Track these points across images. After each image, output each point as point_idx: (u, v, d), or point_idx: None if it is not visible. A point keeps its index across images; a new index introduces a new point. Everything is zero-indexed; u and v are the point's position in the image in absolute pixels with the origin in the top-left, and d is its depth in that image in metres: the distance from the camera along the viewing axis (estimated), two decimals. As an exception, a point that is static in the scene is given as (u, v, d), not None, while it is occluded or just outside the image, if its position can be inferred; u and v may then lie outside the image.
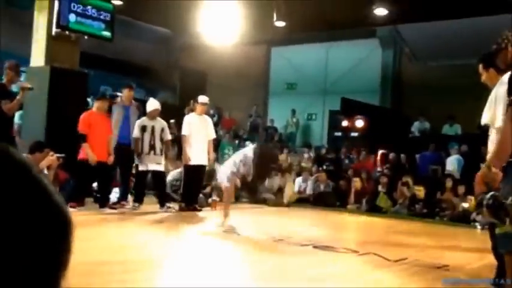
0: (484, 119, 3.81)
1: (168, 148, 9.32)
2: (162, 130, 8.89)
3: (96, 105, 8.48)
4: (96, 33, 10.43)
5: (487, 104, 3.71)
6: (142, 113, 9.12)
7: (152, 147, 8.73)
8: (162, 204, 8.75)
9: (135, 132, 8.75)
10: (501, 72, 3.64)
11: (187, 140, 8.90)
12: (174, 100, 17.88)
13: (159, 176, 8.98)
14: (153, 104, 8.97)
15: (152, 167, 8.75)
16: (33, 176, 0.63)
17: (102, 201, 8.41)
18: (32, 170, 0.63)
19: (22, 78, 8.47)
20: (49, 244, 0.62)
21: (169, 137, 9.14)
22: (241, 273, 4.62)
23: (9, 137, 7.31)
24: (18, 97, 7.34)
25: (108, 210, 8.26)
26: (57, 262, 0.63)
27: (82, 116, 8.27)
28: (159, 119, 8.97)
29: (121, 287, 3.73)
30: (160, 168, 8.91)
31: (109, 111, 8.78)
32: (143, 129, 8.73)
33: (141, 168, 8.77)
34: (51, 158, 7.08)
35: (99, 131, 8.22)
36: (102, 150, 8.25)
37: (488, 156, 3.75)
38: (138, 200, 8.73)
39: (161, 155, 8.85)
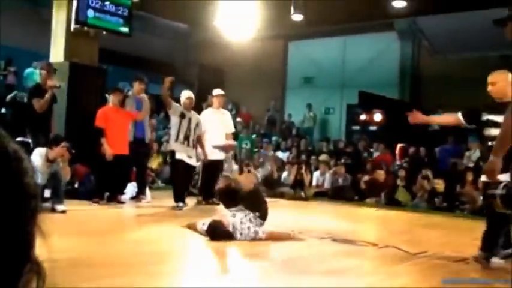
0: None
1: (200, 143, 8.70)
2: (197, 124, 8.54)
3: (111, 99, 8.47)
4: (115, 29, 10.48)
5: None
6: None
7: (187, 138, 8.37)
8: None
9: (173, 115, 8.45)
10: None
11: (203, 136, 8.77)
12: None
13: (189, 170, 8.55)
14: (185, 94, 8.63)
15: (185, 158, 8.30)
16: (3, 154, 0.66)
17: (112, 195, 8.32)
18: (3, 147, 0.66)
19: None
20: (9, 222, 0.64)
21: (202, 132, 8.69)
22: (260, 266, 4.63)
23: (45, 132, 7.55)
24: (46, 95, 7.58)
25: (119, 205, 8.27)
26: (18, 240, 0.65)
27: (99, 111, 8.30)
28: (194, 112, 8.63)
29: (146, 277, 3.76)
30: (192, 162, 8.49)
31: (121, 105, 8.77)
32: (182, 115, 8.37)
33: (178, 156, 8.28)
34: (59, 149, 7.16)
35: (116, 124, 8.23)
36: (120, 144, 8.26)
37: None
38: (182, 197, 8.15)
39: (193, 148, 8.47)
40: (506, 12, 4.07)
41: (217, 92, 9.15)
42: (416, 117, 5.47)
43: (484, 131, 4.85)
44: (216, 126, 8.85)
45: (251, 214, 5.63)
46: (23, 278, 0.67)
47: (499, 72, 4.76)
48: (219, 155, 8.96)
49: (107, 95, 10.83)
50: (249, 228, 5.51)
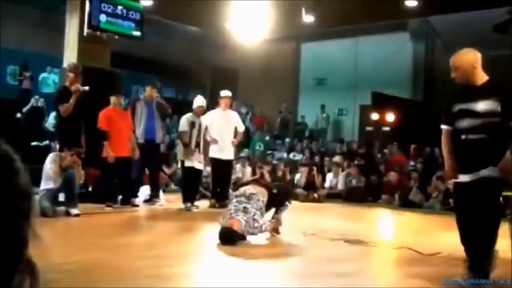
0: None
1: (208, 147, 8.91)
2: (206, 129, 8.75)
3: (111, 101, 8.40)
4: (127, 33, 10.57)
5: None
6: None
7: (198, 144, 8.57)
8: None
9: (184, 126, 8.60)
10: None
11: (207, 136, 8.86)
12: (205, 98, 17.97)
13: (198, 174, 8.82)
14: (197, 101, 8.78)
15: (196, 164, 8.56)
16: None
17: (125, 198, 8.36)
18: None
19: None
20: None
21: (209, 136, 8.86)
22: (272, 268, 4.62)
23: (73, 136, 7.53)
24: (71, 100, 7.59)
25: (133, 208, 8.28)
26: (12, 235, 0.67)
27: (100, 113, 8.26)
28: (202, 117, 8.77)
29: (157, 280, 3.77)
30: (201, 167, 8.78)
31: (132, 108, 8.81)
32: (192, 125, 8.57)
33: (187, 164, 8.54)
34: (69, 158, 7.19)
35: (118, 126, 8.22)
36: (123, 146, 8.24)
37: None
38: (190, 199, 8.45)
39: (201, 153, 8.67)
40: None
41: (224, 93, 9.20)
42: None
43: (455, 123, 4.10)
44: (221, 127, 8.87)
45: (260, 202, 5.63)
46: (17, 278, 0.67)
47: (461, 54, 4.13)
48: (227, 155, 8.95)
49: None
50: (261, 226, 5.51)
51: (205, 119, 8.88)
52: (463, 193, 4.03)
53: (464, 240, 4.09)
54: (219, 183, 9.03)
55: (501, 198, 4.63)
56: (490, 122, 3.88)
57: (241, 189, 5.93)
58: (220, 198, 8.85)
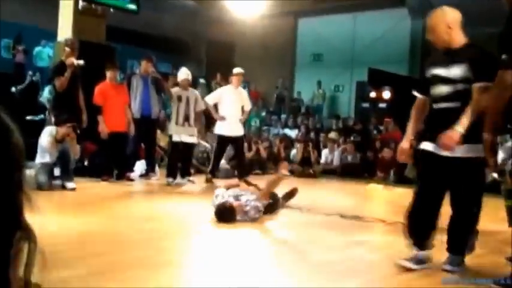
0: None
1: (199, 119, 9.06)
2: (196, 100, 8.73)
3: (107, 76, 8.39)
4: (122, 6, 10.46)
5: None
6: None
7: (187, 118, 8.56)
8: (183, 176, 8.69)
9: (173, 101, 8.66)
10: None
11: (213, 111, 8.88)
12: (200, 73, 17.89)
13: (190, 148, 8.87)
14: (182, 74, 8.77)
15: (185, 138, 8.56)
16: None
17: (120, 172, 8.38)
18: None
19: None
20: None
21: (202, 107, 8.84)
22: (266, 242, 4.65)
23: (69, 110, 7.52)
24: (66, 73, 7.55)
25: (129, 183, 8.29)
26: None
27: (96, 88, 8.25)
28: (191, 89, 8.82)
29: (154, 254, 3.79)
30: (193, 140, 8.78)
31: (128, 83, 8.77)
32: (179, 99, 8.57)
33: (175, 139, 8.56)
34: (64, 129, 7.18)
35: (114, 101, 8.20)
36: (119, 121, 8.24)
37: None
38: (173, 174, 8.52)
39: (193, 126, 8.69)
40: None
41: (236, 70, 9.00)
42: (403, 152, 4.14)
43: (431, 90, 3.69)
44: (233, 104, 8.77)
45: (254, 196, 5.62)
46: (15, 244, 0.67)
47: (436, 14, 3.67)
48: (237, 132, 8.83)
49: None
50: (254, 209, 5.50)
51: (216, 95, 8.95)
52: (435, 165, 3.70)
53: (420, 213, 3.91)
54: (238, 159, 9.06)
55: (495, 176, 4.55)
56: (464, 89, 3.49)
57: (233, 191, 5.86)
58: (242, 174, 8.68)
